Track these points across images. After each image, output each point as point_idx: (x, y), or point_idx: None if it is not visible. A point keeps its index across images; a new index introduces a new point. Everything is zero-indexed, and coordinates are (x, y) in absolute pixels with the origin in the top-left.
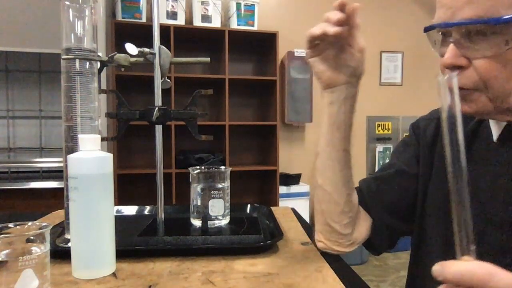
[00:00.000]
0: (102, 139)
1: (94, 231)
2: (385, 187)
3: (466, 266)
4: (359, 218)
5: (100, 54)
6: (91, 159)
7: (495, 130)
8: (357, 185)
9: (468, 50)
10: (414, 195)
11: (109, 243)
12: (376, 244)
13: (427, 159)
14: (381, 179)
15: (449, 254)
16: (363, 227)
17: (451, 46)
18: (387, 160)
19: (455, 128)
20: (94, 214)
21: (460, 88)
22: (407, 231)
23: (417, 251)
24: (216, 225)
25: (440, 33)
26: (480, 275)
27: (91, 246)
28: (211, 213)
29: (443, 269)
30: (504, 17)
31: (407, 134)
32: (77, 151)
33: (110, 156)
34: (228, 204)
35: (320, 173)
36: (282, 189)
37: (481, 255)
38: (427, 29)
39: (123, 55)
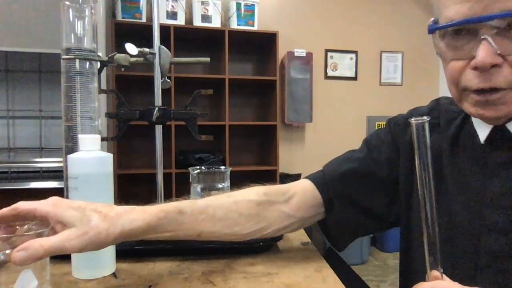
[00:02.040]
0: (102, 139)
1: None
2: (353, 185)
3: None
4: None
5: (100, 54)
6: (91, 159)
7: (482, 132)
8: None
9: (503, 46)
10: (381, 195)
11: None
12: (336, 240)
13: (409, 159)
14: (349, 175)
15: (443, 260)
16: (304, 219)
17: (485, 43)
18: None
19: (427, 169)
20: None
21: (492, 90)
22: (367, 229)
23: (406, 254)
24: None
25: (453, 32)
26: None
27: None
28: None
29: None
30: None
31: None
32: (77, 151)
33: (110, 156)
34: None
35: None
36: None
37: (478, 261)
38: (436, 28)
39: (123, 55)
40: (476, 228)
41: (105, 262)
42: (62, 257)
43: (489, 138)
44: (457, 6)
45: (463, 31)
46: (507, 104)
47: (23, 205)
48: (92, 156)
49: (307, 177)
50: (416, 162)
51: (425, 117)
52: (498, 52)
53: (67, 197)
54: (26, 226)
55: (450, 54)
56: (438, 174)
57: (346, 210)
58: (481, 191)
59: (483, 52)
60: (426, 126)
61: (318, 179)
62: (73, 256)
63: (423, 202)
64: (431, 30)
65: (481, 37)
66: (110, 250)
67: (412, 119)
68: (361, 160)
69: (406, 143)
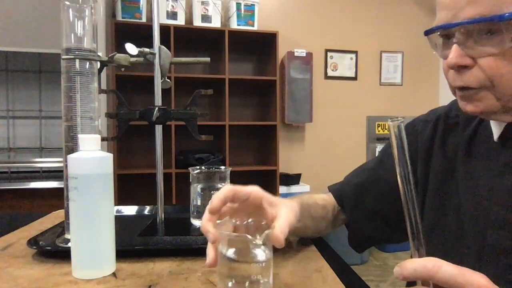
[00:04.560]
0: (102, 139)
1: (94, 231)
2: (366, 196)
3: (418, 262)
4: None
5: (100, 54)
6: (91, 159)
7: (496, 129)
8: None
9: (472, 49)
10: (396, 202)
11: (109, 243)
12: (355, 246)
13: (424, 162)
14: (361, 187)
15: (449, 255)
16: (336, 222)
17: (455, 46)
18: None
19: (406, 168)
20: (94, 214)
21: (466, 88)
22: (387, 238)
23: None
24: None
25: (441, 35)
26: (429, 267)
27: (91, 246)
28: None
29: (401, 269)
30: (507, 14)
31: None
32: (77, 151)
33: (110, 156)
34: None
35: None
36: (282, 189)
37: (483, 256)
38: (427, 32)
39: (123, 55)
40: (483, 224)
41: (105, 262)
42: (62, 257)
43: (502, 135)
44: (439, 13)
45: (448, 35)
46: (482, 101)
47: (240, 189)
48: (92, 156)
49: (328, 187)
50: (395, 162)
51: (400, 118)
52: (469, 54)
53: (67, 197)
54: (245, 223)
55: (441, 54)
56: (450, 172)
57: (360, 218)
58: (492, 188)
59: (451, 54)
60: (402, 126)
61: (335, 189)
62: (73, 256)
63: (406, 205)
64: (425, 33)
65: (453, 41)
66: (110, 250)
67: (389, 120)
68: (372, 170)
69: (421, 150)
